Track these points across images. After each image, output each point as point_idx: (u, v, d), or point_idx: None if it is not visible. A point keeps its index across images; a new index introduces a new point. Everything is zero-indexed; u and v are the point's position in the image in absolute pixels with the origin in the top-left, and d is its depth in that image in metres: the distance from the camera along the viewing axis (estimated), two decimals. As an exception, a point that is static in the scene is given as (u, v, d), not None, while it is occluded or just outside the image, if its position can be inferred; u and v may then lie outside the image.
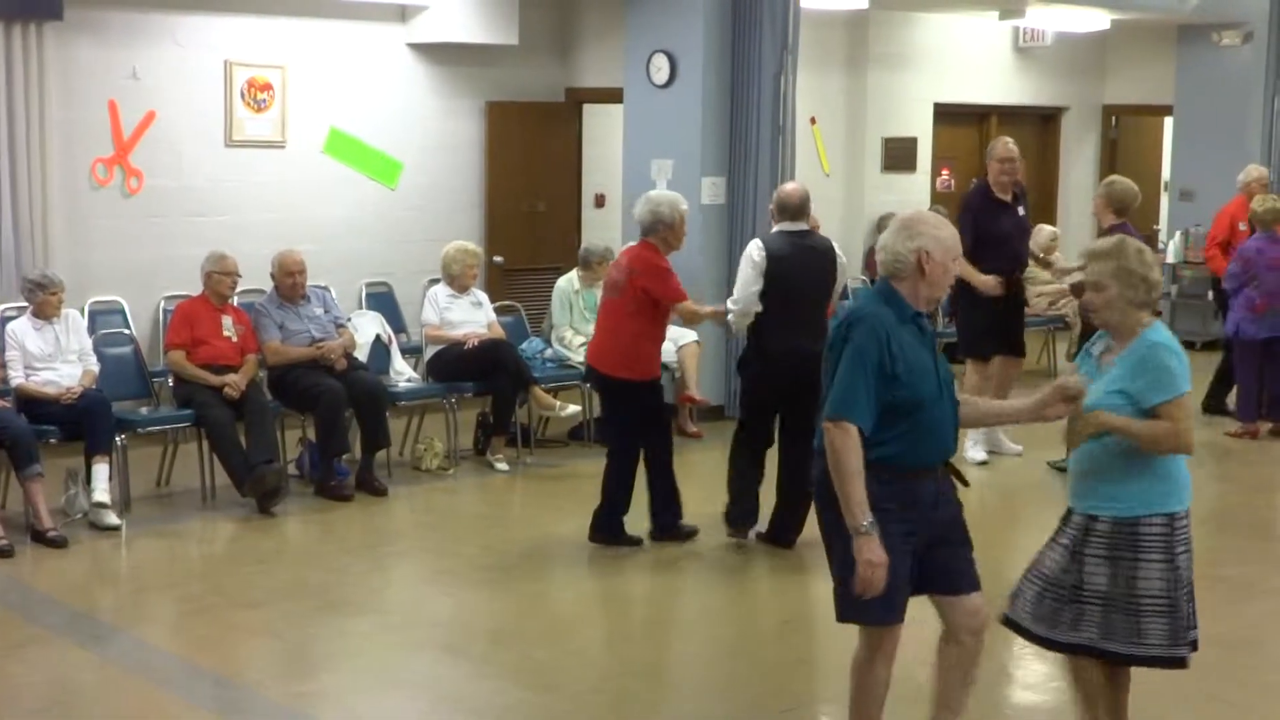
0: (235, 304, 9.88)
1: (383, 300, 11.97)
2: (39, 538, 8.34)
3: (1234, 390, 11.66)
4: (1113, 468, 4.96)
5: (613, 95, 12.62)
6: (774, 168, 11.45)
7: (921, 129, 14.92)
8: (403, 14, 12.25)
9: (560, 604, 7.88)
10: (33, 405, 8.75)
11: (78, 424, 8.77)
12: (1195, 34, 15.45)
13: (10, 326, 9.04)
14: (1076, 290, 10.28)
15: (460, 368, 10.36)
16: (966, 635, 4.96)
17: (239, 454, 9.10)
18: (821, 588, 7.93)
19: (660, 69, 11.69)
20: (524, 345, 11.02)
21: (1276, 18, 14.11)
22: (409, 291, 12.05)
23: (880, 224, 14.18)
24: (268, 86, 11.56)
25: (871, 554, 4.63)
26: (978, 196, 10.44)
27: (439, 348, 10.49)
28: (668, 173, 11.63)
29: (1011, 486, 9.92)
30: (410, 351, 11.21)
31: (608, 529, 8.40)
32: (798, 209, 8.33)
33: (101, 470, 8.70)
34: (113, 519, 8.67)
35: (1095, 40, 16.23)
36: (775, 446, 8.49)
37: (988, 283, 9.83)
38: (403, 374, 10.64)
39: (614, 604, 7.99)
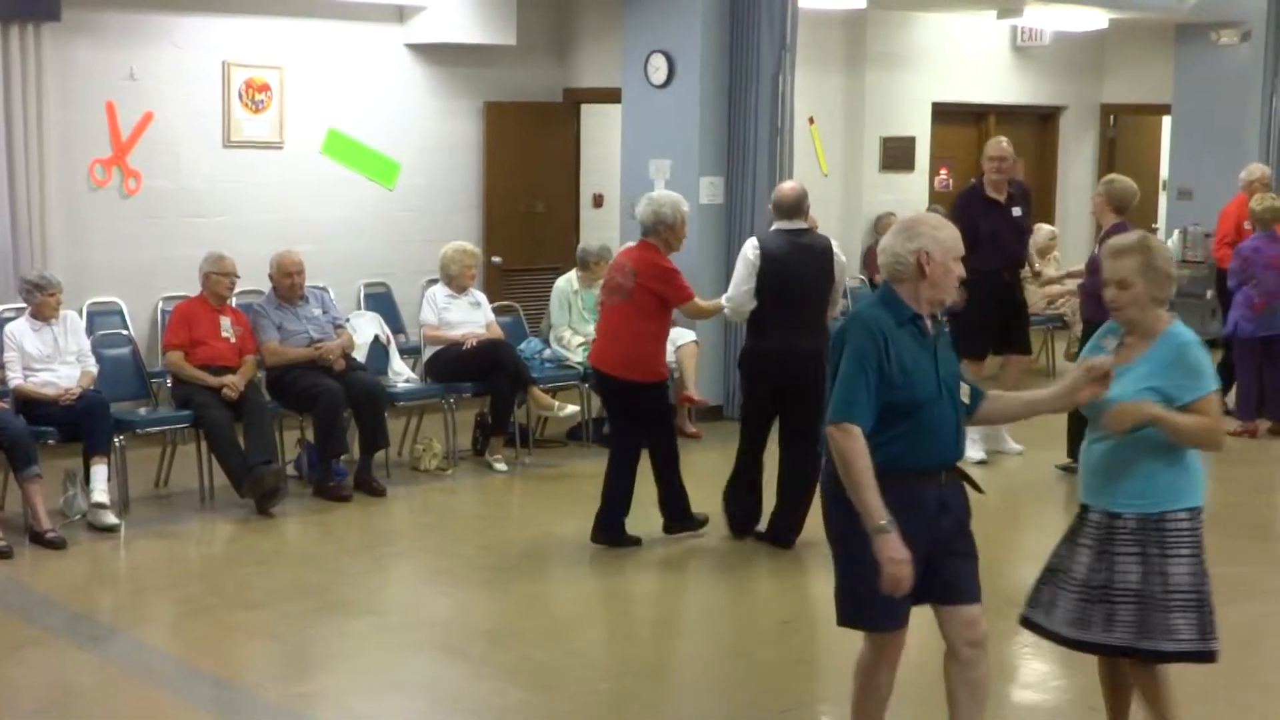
0: (233, 305, 9.88)
1: (381, 301, 11.97)
2: (38, 539, 8.34)
3: (1233, 389, 11.66)
4: (1137, 464, 4.93)
5: (611, 95, 12.62)
6: (772, 167, 11.46)
7: (920, 128, 14.91)
8: (400, 14, 12.25)
9: (559, 604, 7.88)
10: (31, 406, 8.74)
11: (76, 425, 8.76)
12: (1193, 33, 15.45)
13: (9, 328, 9.03)
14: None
15: (459, 368, 10.36)
16: (965, 647, 4.89)
17: (237, 455, 9.10)
18: (821, 587, 7.93)
19: (658, 69, 11.69)
20: (522, 345, 11.02)
21: (1274, 17, 14.12)
22: (407, 292, 12.05)
23: (878, 223, 14.19)
24: (265, 87, 11.56)
25: (894, 551, 4.58)
26: (967, 196, 10.50)
27: (437, 348, 10.49)
28: (666, 173, 11.63)
29: (1011, 487, 9.92)
30: (409, 352, 11.21)
31: (611, 529, 8.40)
32: (793, 208, 8.33)
33: (100, 471, 8.70)
34: (111, 520, 8.67)
35: (1093, 39, 16.23)
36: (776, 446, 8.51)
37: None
38: (401, 374, 10.64)
39: (613, 604, 7.99)
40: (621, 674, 6.78)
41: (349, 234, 12.06)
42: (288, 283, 9.80)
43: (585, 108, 13.86)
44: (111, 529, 8.64)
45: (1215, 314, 13.56)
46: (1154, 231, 16.47)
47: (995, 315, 9.99)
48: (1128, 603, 4.94)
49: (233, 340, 9.53)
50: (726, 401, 11.81)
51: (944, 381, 4.81)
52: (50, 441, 8.76)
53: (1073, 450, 9.92)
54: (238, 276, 9.75)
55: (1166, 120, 16.60)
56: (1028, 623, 5.21)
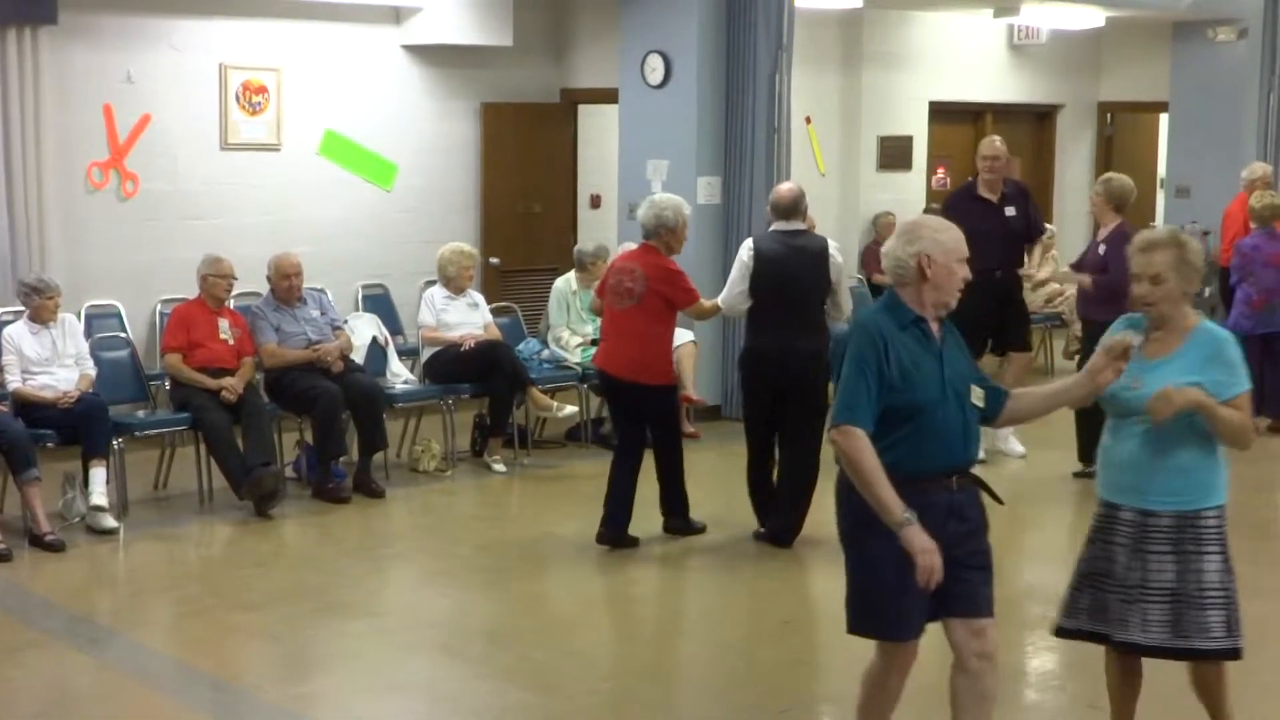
0: (231, 307, 9.87)
1: (379, 302, 11.97)
2: (37, 542, 8.34)
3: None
4: (1173, 460, 4.91)
5: (608, 96, 12.62)
6: (769, 167, 11.46)
7: (917, 127, 14.90)
8: (397, 16, 12.25)
9: (558, 604, 7.88)
10: (30, 409, 8.74)
11: (75, 428, 8.76)
12: (1190, 30, 15.44)
13: (7, 331, 9.02)
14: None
15: (457, 369, 10.36)
16: (974, 658, 4.83)
17: (236, 457, 9.10)
18: (822, 587, 7.98)
19: (655, 69, 11.70)
20: (521, 346, 11.02)
21: (1271, 14, 14.11)
22: (405, 293, 12.05)
23: (876, 222, 14.19)
24: (262, 89, 11.56)
25: (922, 542, 4.55)
26: (958, 196, 10.52)
27: (436, 349, 10.48)
28: (663, 173, 11.64)
29: (1015, 488, 9.93)
30: (407, 353, 11.21)
31: (618, 530, 8.41)
32: (790, 208, 8.36)
33: (99, 474, 8.70)
34: (110, 522, 8.67)
35: (1090, 37, 16.23)
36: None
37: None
38: (399, 376, 10.63)
39: (613, 604, 8.00)
40: (621, 674, 6.78)
41: (347, 235, 12.06)
42: (286, 284, 9.80)
43: (582, 108, 13.86)
44: (110, 531, 8.64)
45: (1215, 311, 13.56)
46: (1151, 230, 16.49)
47: (991, 315, 9.96)
48: (1163, 602, 4.92)
49: (231, 342, 9.53)
50: (725, 401, 11.82)
51: (950, 384, 4.75)
52: (49, 444, 8.76)
53: (1084, 454, 9.92)
54: (235, 278, 9.75)
55: (1164, 118, 16.58)
56: (1066, 632, 5.15)
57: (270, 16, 11.57)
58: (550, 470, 10.50)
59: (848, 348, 4.76)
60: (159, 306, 10.91)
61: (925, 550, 4.55)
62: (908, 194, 14.62)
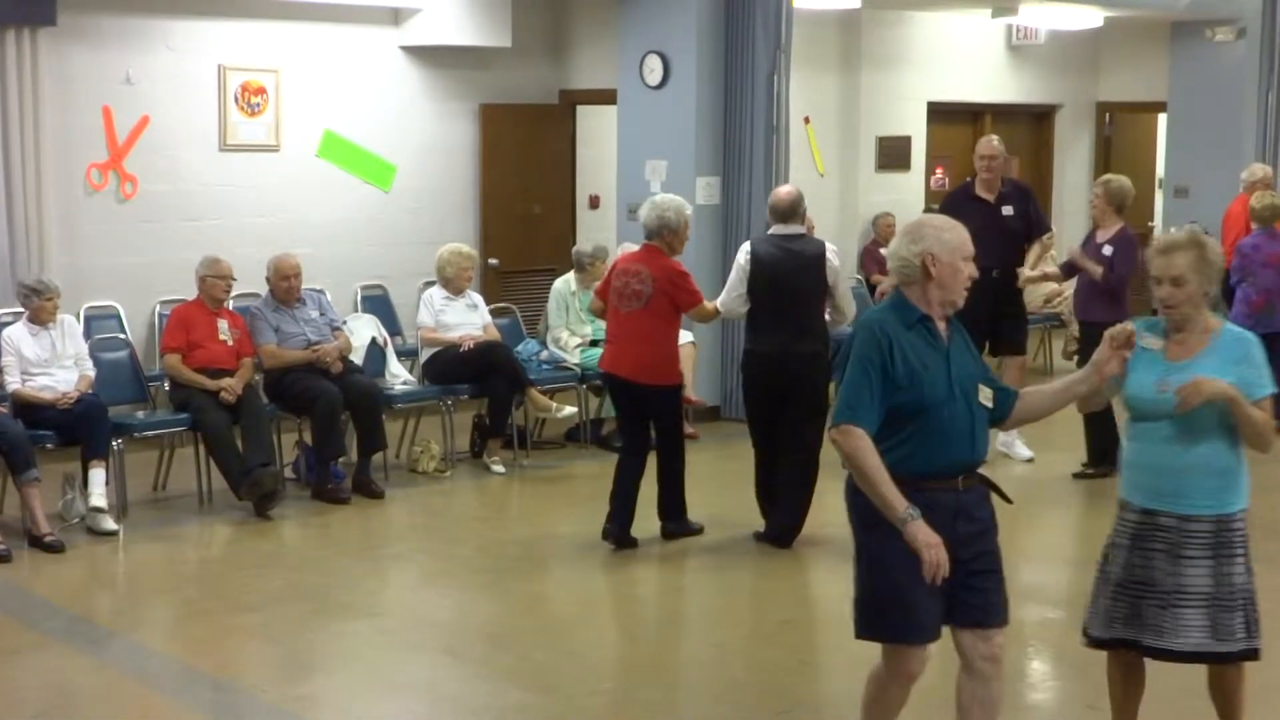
0: (230, 307, 9.87)
1: (378, 303, 11.97)
2: (36, 543, 8.34)
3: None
4: (1212, 464, 4.89)
5: (606, 97, 12.62)
6: (768, 168, 11.47)
7: (915, 128, 14.91)
8: (395, 17, 12.25)
9: (558, 605, 7.88)
10: (29, 410, 8.74)
11: (74, 429, 8.76)
12: (1189, 30, 15.45)
13: (6, 332, 9.02)
14: (1067, 271, 10.30)
15: (456, 370, 10.36)
16: (982, 662, 4.81)
17: (235, 457, 9.10)
18: (822, 588, 7.99)
19: (653, 70, 11.70)
20: (520, 347, 11.03)
21: (1269, 13, 14.11)
22: (404, 294, 12.05)
23: (875, 223, 14.20)
24: (261, 90, 11.56)
25: (926, 537, 4.52)
26: (955, 195, 10.53)
27: (435, 350, 10.48)
28: (662, 174, 11.64)
29: (1013, 488, 9.92)
30: (406, 354, 11.21)
31: (624, 528, 8.42)
32: (788, 211, 8.40)
33: (98, 475, 8.70)
34: (110, 523, 8.67)
35: (1088, 37, 16.24)
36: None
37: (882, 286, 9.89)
38: (398, 377, 10.64)
39: (612, 605, 8.00)
40: (621, 674, 6.78)
41: (346, 236, 12.07)
42: (285, 285, 9.81)
43: (581, 109, 13.86)
44: (110, 532, 8.64)
45: (1217, 310, 13.53)
46: (1150, 230, 16.50)
47: (989, 315, 9.94)
48: (1200, 606, 4.88)
49: (230, 343, 9.53)
50: (724, 403, 11.82)
51: (957, 384, 4.72)
52: (48, 445, 8.77)
53: (1092, 456, 9.91)
54: (234, 279, 9.75)
55: (1162, 118, 16.59)
56: (1101, 642, 5.09)
57: (269, 18, 11.57)
58: (549, 471, 10.50)
59: (852, 347, 4.74)
60: (158, 307, 10.91)
61: (930, 545, 4.53)
62: (906, 194, 14.64)
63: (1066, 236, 15.55)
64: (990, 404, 4.85)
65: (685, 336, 10.85)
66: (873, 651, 4.97)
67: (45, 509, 8.47)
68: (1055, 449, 10.22)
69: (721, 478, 9.66)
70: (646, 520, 8.52)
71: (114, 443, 8.91)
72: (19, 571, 8.08)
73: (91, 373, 9.14)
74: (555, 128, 13.55)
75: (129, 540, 8.68)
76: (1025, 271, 10.21)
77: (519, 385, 10.31)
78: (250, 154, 11.57)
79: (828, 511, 8.24)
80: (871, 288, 13.42)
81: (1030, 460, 10.41)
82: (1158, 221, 16.56)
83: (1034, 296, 13.49)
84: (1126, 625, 5.00)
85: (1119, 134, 17.31)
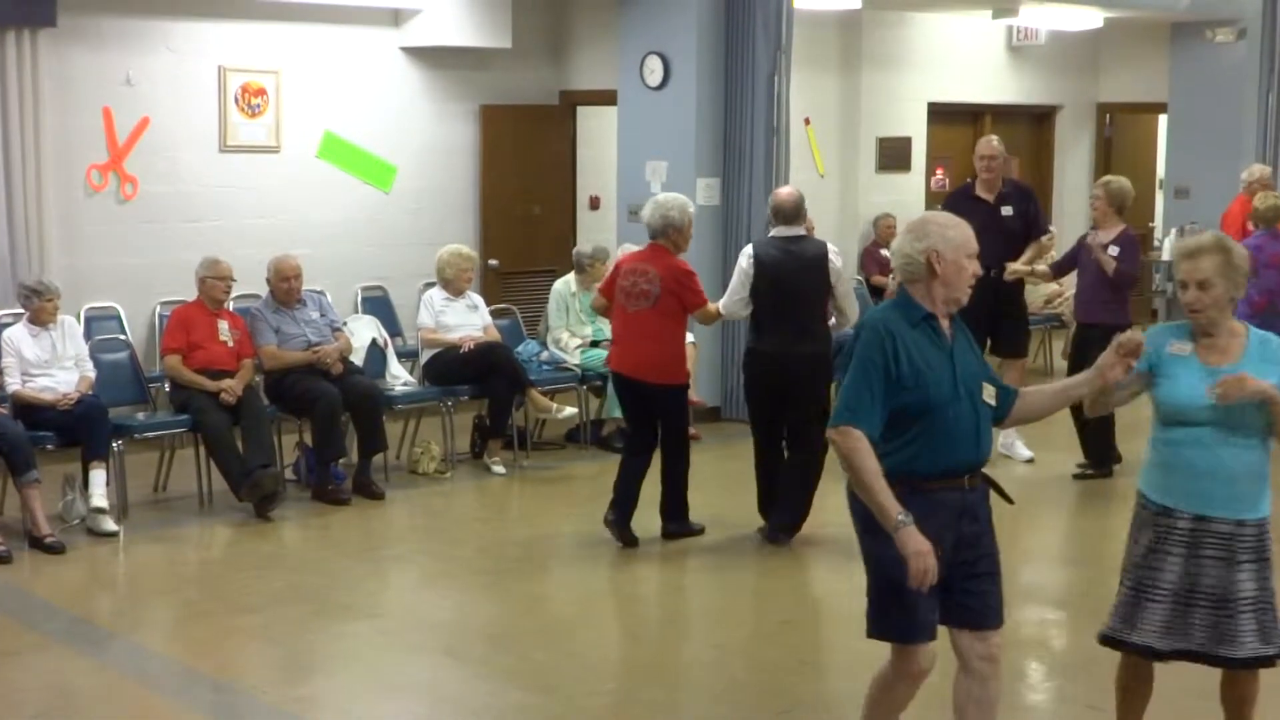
0: (231, 308, 9.87)
1: (378, 304, 11.97)
2: (37, 544, 8.34)
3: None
4: (1262, 469, 4.87)
5: (606, 97, 12.63)
6: (768, 169, 11.47)
7: (916, 129, 14.92)
8: (396, 18, 12.25)
9: (559, 605, 7.88)
10: (30, 412, 8.74)
11: (74, 430, 8.76)
12: (1189, 31, 15.46)
13: (6, 333, 9.02)
14: (1058, 270, 10.32)
15: (456, 371, 10.36)
16: (979, 662, 4.81)
17: (236, 459, 9.10)
18: (822, 587, 7.99)
19: (654, 71, 11.70)
20: (520, 348, 11.02)
21: (1270, 14, 14.12)
22: (404, 295, 12.05)
23: (875, 224, 14.20)
24: (261, 91, 11.56)
25: (916, 544, 4.50)
26: (955, 196, 10.54)
27: (435, 351, 10.48)
28: (662, 174, 11.64)
29: (1013, 488, 9.92)
30: (406, 355, 11.21)
31: (625, 519, 8.44)
32: (792, 213, 8.41)
33: (99, 476, 8.70)
34: (110, 525, 8.67)
35: (1089, 38, 16.24)
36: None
37: (887, 287, 9.91)
38: (399, 378, 10.64)
39: (612, 605, 8.00)
40: (622, 675, 6.78)
41: (346, 237, 12.07)
42: (285, 286, 9.80)
43: (581, 110, 13.86)
44: (110, 534, 8.64)
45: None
46: (1151, 230, 16.52)
47: (987, 315, 9.94)
48: (1250, 612, 4.85)
49: (230, 344, 9.53)
50: (725, 403, 11.82)
51: (962, 383, 4.71)
52: (49, 446, 8.76)
53: (1090, 456, 9.90)
54: (234, 280, 9.74)
55: (1163, 119, 16.60)
56: (1136, 648, 5.01)
57: (269, 19, 11.57)
58: (550, 472, 10.50)
59: (855, 347, 4.71)
60: (158, 308, 10.91)
61: (919, 552, 4.51)
62: (907, 195, 14.64)
63: (1067, 237, 15.50)
64: (994, 402, 4.84)
65: (686, 337, 10.88)
66: (872, 651, 4.97)
67: (45, 510, 8.47)
68: (1055, 449, 10.21)
69: (723, 478, 9.66)
70: (648, 520, 8.53)
71: (114, 444, 8.91)
72: (19, 573, 8.07)
73: (92, 374, 9.14)
74: (555, 128, 13.56)
75: (129, 541, 8.67)
76: (1014, 265, 10.15)
77: (519, 386, 10.31)
78: (250, 155, 11.57)
79: (828, 512, 8.25)
80: (872, 288, 13.43)
81: (1030, 461, 10.41)
82: (1158, 222, 16.56)
83: (1034, 297, 13.49)
84: (1186, 636, 4.90)
85: (1119, 135, 17.31)
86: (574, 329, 11.09)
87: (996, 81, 15.85)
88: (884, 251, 13.20)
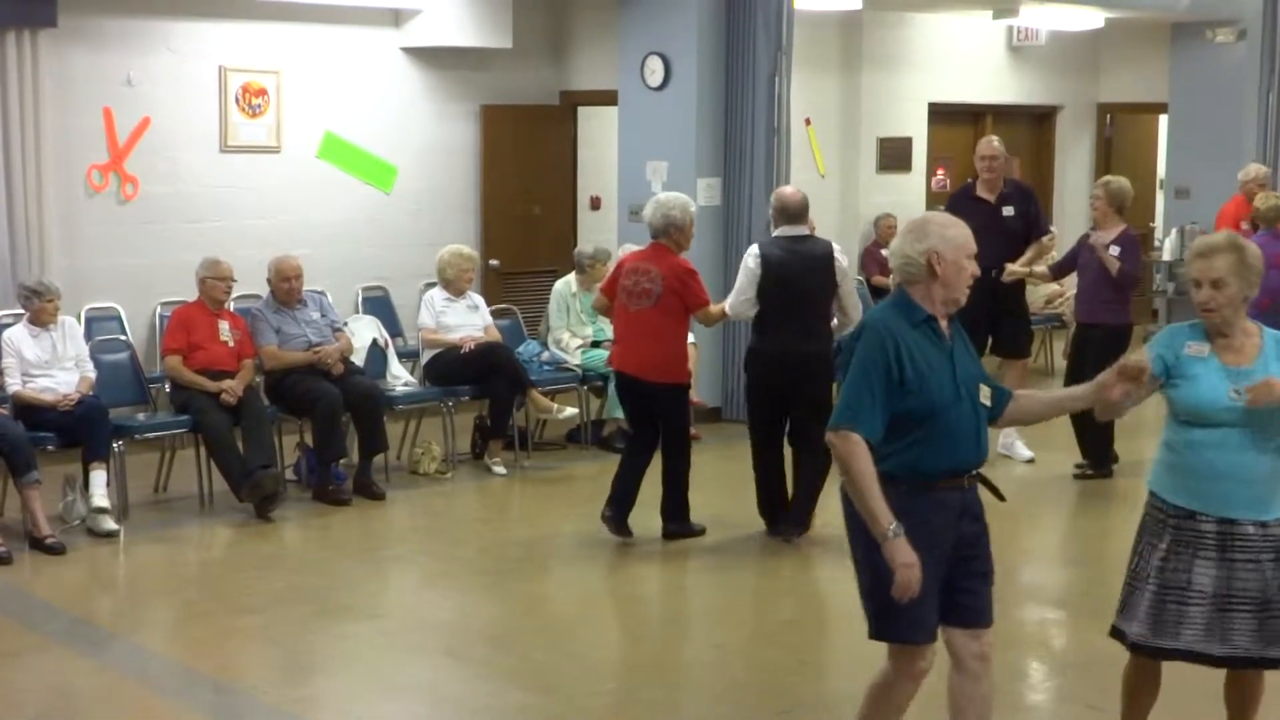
0: (231, 309, 9.87)
1: (379, 304, 11.97)
2: (37, 544, 8.34)
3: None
4: (1277, 471, 4.84)
5: (607, 98, 12.62)
6: (769, 169, 11.47)
7: (916, 129, 14.92)
8: (396, 18, 12.25)
9: (560, 606, 7.89)
10: (30, 412, 8.74)
11: (75, 431, 8.76)
12: (1189, 31, 15.46)
13: (7, 334, 9.02)
14: (1057, 271, 10.33)
15: (457, 371, 10.36)
16: (973, 661, 4.81)
17: (236, 459, 9.10)
18: (825, 587, 7.99)
19: (654, 71, 11.70)
20: (521, 348, 11.02)
21: (1270, 14, 14.12)
22: (405, 295, 12.05)
23: (876, 224, 14.21)
24: (262, 92, 11.56)
25: (904, 557, 4.50)
26: (957, 196, 10.54)
27: (436, 351, 10.48)
28: (663, 175, 11.64)
29: (1012, 488, 9.93)
30: (407, 355, 11.21)
31: (622, 515, 8.45)
32: (799, 213, 8.42)
33: (99, 476, 8.70)
34: (111, 525, 8.66)
35: (1089, 39, 16.25)
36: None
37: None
38: (399, 378, 10.64)
39: (613, 605, 8.00)
40: (623, 675, 6.79)
41: (346, 238, 12.07)
42: (286, 287, 9.81)
43: (582, 110, 13.86)
44: (111, 534, 8.63)
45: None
46: (1151, 230, 16.51)
47: (988, 315, 9.94)
48: (1278, 613, 4.85)
49: (231, 344, 9.53)
50: (726, 404, 11.82)
51: (962, 384, 4.71)
52: (49, 447, 8.76)
53: (1090, 456, 9.90)
54: (234, 281, 9.74)
55: (1163, 119, 16.61)
56: (1164, 652, 4.98)
57: (269, 19, 11.57)
58: (550, 472, 10.50)
59: (856, 348, 4.68)
60: (159, 309, 10.91)
61: (908, 565, 4.51)
62: (907, 195, 14.64)
63: (1067, 237, 15.51)
64: (989, 403, 4.84)
65: (688, 337, 10.87)
66: (873, 651, 4.96)
67: (46, 511, 8.47)
68: (1055, 449, 10.21)
69: (723, 478, 9.66)
70: (648, 520, 8.53)
71: (115, 444, 8.91)
72: (20, 573, 8.08)
73: (92, 374, 9.14)
74: (556, 129, 13.56)
75: (130, 542, 8.67)
76: (1013, 266, 10.15)
77: (520, 386, 10.31)
78: (251, 155, 11.57)
79: (829, 512, 8.24)
80: (873, 289, 13.42)
81: (1031, 461, 10.40)
82: (1159, 222, 16.55)
83: (1035, 297, 13.49)
84: (1231, 643, 4.86)
85: (1120, 135, 17.31)
86: (575, 329, 11.09)
87: (997, 82, 15.85)
88: (884, 252, 13.18)
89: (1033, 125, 16.75)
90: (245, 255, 10.56)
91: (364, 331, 10.68)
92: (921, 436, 4.64)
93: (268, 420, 9.40)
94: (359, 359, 10.27)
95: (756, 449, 8.59)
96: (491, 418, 10.43)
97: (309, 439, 9.73)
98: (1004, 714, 6.09)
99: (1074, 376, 9.73)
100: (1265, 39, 13.77)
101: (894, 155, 14.69)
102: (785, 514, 8.51)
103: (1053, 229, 12.31)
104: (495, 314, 11.06)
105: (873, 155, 14.52)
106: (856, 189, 14.44)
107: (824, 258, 8.35)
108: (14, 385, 8.84)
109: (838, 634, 7.15)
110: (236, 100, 11.45)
